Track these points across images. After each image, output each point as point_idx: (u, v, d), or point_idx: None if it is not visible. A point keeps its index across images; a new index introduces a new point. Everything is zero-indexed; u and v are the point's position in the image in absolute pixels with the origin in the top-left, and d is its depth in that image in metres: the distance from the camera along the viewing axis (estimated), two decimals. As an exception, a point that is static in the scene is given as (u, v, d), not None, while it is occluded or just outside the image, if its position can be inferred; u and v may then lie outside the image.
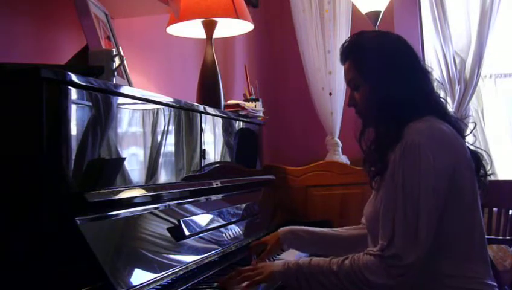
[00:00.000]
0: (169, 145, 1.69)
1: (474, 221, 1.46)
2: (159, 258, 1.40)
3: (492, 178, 3.42)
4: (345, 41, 1.59)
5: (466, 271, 1.42)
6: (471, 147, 1.54)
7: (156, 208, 1.54)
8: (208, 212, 1.80)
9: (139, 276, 1.28)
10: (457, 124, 1.52)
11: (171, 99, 1.70)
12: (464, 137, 1.52)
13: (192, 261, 1.52)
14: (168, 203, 1.61)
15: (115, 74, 1.53)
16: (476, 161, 1.51)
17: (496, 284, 1.47)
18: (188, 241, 1.58)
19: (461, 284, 1.42)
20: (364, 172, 1.57)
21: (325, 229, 1.80)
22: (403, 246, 1.35)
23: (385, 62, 1.50)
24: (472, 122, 3.23)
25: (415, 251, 1.34)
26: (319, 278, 1.41)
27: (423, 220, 1.35)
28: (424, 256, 1.36)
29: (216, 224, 1.80)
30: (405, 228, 1.35)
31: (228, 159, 2.19)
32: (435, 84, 1.57)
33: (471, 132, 1.59)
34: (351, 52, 1.56)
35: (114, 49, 1.57)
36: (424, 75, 1.54)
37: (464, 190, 1.43)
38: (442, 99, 1.56)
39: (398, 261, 1.34)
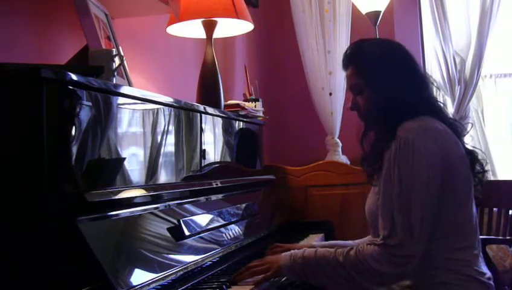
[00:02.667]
0: (169, 145, 1.69)
1: (466, 214, 1.51)
2: (159, 258, 1.40)
3: (492, 178, 3.43)
4: (348, 48, 1.65)
5: (455, 255, 1.47)
6: (468, 146, 1.58)
7: (156, 208, 1.53)
8: (207, 212, 1.80)
9: (139, 276, 1.28)
10: (454, 126, 1.57)
11: (171, 99, 1.70)
12: (460, 138, 1.57)
13: (192, 261, 1.52)
14: (168, 203, 1.61)
15: (115, 74, 1.53)
16: (472, 158, 1.56)
17: (487, 272, 1.52)
18: (188, 241, 1.58)
19: (450, 265, 1.47)
20: (363, 170, 1.64)
21: (357, 241, 1.83)
22: (402, 237, 1.40)
23: (386, 68, 1.56)
24: (469, 123, 3.25)
25: (413, 242, 1.40)
26: (326, 270, 1.46)
27: (417, 213, 1.40)
28: (422, 246, 1.42)
29: (216, 224, 1.80)
30: (402, 220, 1.41)
31: (228, 159, 2.19)
32: (434, 90, 1.63)
33: (467, 132, 1.65)
34: (354, 59, 1.61)
35: (114, 49, 1.57)
36: (423, 81, 1.59)
37: (457, 185, 1.48)
38: (441, 104, 1.62)
39: (401, 251, 1.40)
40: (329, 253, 1.47)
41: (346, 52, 1.64)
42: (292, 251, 1.55)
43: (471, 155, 1.57)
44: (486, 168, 1.61)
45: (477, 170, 1.57)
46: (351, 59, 1.62)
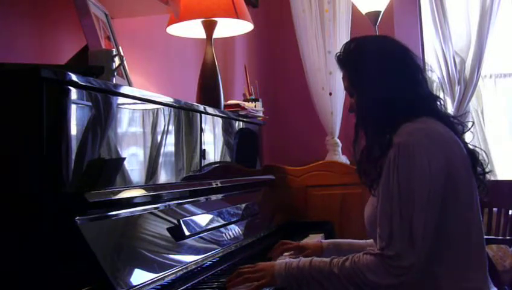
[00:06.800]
0: (169, 145, 1.69)
1: (472, 221, 1.45)
2: (159, 258, 1.40)
3: (492, 178, 3.43)
4: (339, 51, 1.60)
5: (462, 273, 1.41)
6: (469, 146, 1.52)
7: (156, 208, 1.54)
8: (207, 212, 1.80)
9: (139, 276, 1.28)
10: (454, 125, 1.52)
11: (171, 99, 1.70)
12: (460, 136, 1.51)
13: (192, 261, 1.52)
14: (168, 203, 1.61)
15: (115, 74, 1.53)
16: (473, 160, 1.50)
17: (492, 285, 1.46)
18: (188, 241, 1.58)
19: (457, 287, 1.41)
20: (361, 181, 1.56)
21: (362, 241, 1.80)
22: (401, 247, 1.35)
23: (374, 70, 1.51)
24: (470, 121, 3.25)
25: (413, 252, 1.35)
26: (321, 281, 1.42)
27: (418, 222, 1.35)
28: (423, 256, 1.36)
29: (216, 224, 1.80)
30: (402, 229, 1.35)
31: (228, 159, 2.19)
32: (434, 84, 1.56)
33: (468, 130, 1.57)
34: (344, 62, 1.58)
35: (114, 49, 1.57)
36: (418, 75, 1.52)
37: (459, 191, 1.43)
38: (439, 100, 1.55)
39: (399, 261, 1.35)
40: (324, 263, 1.43)
41: (336, 54, 1.60)
42: (287, 260, 1.50)
43: (472, 156, 1.50)
44: (487, 169, 1.54)
45: (479, 172, 1.51)
46: (342, 62, 1.58)
